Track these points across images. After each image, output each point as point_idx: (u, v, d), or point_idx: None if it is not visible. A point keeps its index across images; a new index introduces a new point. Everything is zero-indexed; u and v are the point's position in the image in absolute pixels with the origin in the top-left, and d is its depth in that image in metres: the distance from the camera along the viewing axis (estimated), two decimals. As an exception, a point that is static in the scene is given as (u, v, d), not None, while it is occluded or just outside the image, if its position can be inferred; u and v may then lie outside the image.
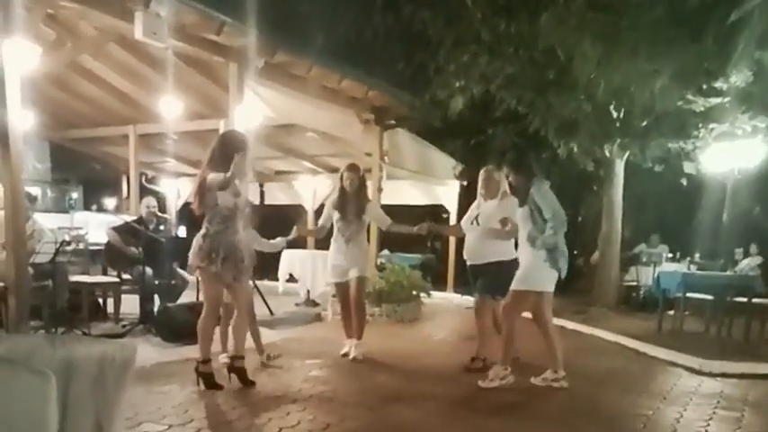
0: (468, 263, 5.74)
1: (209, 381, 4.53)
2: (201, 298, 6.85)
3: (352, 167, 5.81)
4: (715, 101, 8.40)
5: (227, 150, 4.37)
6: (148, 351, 5.50)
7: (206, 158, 4.54)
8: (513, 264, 5.10)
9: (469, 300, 6.33)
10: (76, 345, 2.59)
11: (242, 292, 4.71)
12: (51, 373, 2.08)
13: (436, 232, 5.98)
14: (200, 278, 4.68)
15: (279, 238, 5.64)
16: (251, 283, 6.24)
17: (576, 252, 14.68)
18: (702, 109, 8.59)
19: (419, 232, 5.90)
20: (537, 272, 4.85)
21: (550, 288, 4.96)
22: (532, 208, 4.84)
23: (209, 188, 4.39)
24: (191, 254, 4.54)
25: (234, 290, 4.62)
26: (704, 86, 8.25)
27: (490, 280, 5.39)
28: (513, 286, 4.92)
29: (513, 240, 5.36)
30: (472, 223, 5.62)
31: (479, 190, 5.69)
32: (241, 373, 4.62)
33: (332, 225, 5.88)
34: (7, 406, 2.00)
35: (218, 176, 4.31)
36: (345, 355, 5.84)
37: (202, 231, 4.50)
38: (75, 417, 2.27)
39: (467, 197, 5.99)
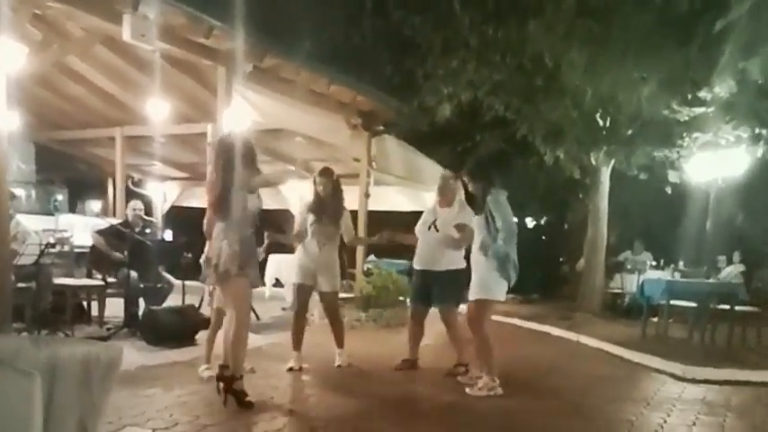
0: (421, 268, 5.63)
1: (240, 398, 4.17)
2: (189, 301, 6.88)
3: (325, 172, 5.54)
4: (699, 110, 8.48)
5: (229, 155, 4.26)
6: (133, 354, 5.46)
7: (217, 164, 4.29)
8: (465, 272, 5.10)
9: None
10: (61, 345, 2.58)
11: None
12: (36, 373, 2.07)
13: (397, 242, 5.93)
14: (233, 286, 4.26)
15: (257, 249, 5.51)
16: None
17: (561, 259, 14.77)
18: (687, 118, 8.66)
19: (379, 242, 5.87)
20: (492, 281, 4.88)
21: (501, 297, 4.98)
22: (488, 217, 4.86)
23: (235, 191, 4.22)
24: (224, 260, 4.15)
25: None
26: (689, 96, 8.33)
27: (448, 287, 5.39)
28: (474, 296, 4.94)
29: (464, 250, 5.37)
30: (429, 228, 5.56)
31: (435, 196, 5.68)
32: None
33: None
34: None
35: (269, 174, 4.31)
36: (290, 369, 5.41)
37: (233, 237, 4.21)
38: (60, 417, 2.25)
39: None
